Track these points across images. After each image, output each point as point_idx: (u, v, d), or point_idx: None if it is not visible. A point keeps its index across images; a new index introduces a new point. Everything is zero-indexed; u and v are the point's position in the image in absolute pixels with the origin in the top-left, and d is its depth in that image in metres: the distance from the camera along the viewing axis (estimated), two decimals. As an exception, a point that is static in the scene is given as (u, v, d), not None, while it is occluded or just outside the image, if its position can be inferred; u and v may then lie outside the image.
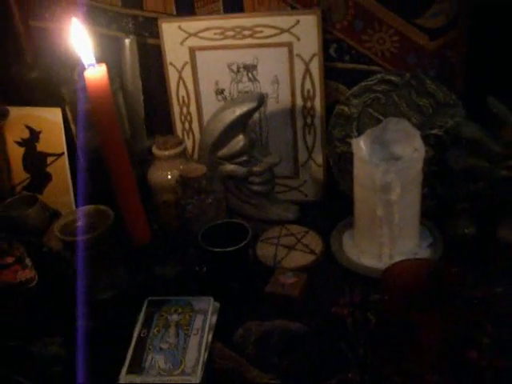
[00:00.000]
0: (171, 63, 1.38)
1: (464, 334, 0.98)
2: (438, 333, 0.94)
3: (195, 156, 1.42)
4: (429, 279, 1.00)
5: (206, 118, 1.40)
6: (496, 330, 0.98)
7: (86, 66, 1.00)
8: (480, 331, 0.99)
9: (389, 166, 1.12)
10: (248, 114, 1.25)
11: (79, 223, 1.20)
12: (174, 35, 1.35)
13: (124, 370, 1.01)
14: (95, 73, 1.00)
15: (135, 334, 1.07)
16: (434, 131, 1.27)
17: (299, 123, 1.37)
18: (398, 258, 1.10)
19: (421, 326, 0.94)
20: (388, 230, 1.17)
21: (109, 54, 1.30)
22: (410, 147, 1.16)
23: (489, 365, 0.94)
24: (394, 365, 0.95)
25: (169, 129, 1.45)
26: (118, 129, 1.07)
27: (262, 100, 1.26)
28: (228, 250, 1.11)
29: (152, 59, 1.41)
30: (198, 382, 0.98)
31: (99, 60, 1.03)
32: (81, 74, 1.04)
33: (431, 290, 1.00)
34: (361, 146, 1.15)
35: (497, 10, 1.21)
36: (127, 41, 1.34)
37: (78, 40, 1.02)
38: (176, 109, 1.43)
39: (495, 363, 0.95)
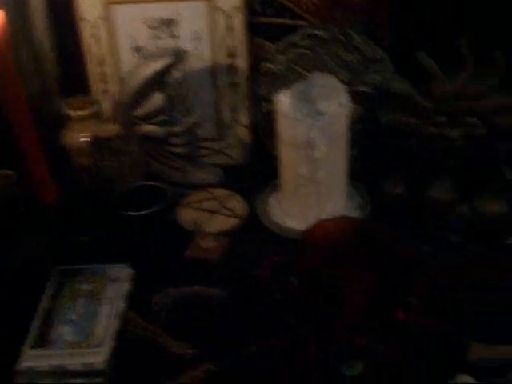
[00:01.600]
0: (84, 18, 1.29)
1: (392, 294, 0.94)
2: (364, 292, 0.91)
3: (113, 119, 1.33)
4: (352, 237, 0.96)
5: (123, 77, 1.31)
6: (424, 289, 0.95)
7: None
8: (408, 291, 0.95)
9: (312, 122, 1.07)
10: (165, 71, 1.17)
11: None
12: (87, -13, 1.26)
13: (27, 343, 0.93)
14: (-10, 19, 0.92)
15: (41, 306, 1.00)
16: (363, 88, 1.22)
17: (222, 82, 1.31)
18: (324, 220, 1.05)
19: (345, 285, 0.90)
20: (313, 190, 1.12)
21: (14, 6, 1.21)
22: (335, 103, 1.11)
23: (416, 325, 0.91)
24: (318, 328, 0.90)
25: (85, 90, 1.36)
26: (18, 83, 0.99)
27: (179, 56, 1.19)
28: (143, 212, 1.05)
29: (64, 14, 1.31)
30: (107, 353, 0.91)
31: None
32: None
33: (355, 248, 0.96)
34: (283, 101, 1.10)
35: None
36: (33, -8, 1.25)
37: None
38: (91, 68, 1.33)
39: (423, 324, 0.91)
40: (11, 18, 0.99)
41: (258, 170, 1.34)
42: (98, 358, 0.90)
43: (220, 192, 1.26)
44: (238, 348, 0.91)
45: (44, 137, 1.14)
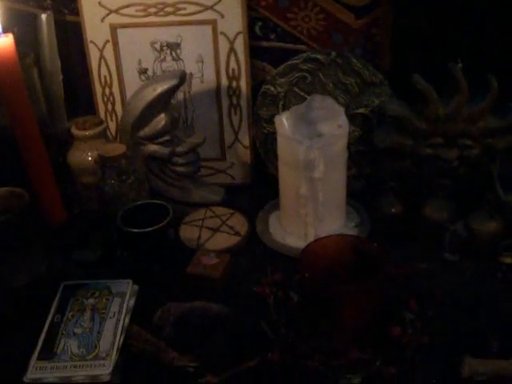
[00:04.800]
0: (92, 41, 1.32)
1: (388, 310, 0.97)
2: (360, 309, 0.93)
3: (118, 139, 1.37)
4: (351, 254, 0.98)
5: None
6: (419, 306, 0.98)
7: (-9, 36, 0.96)
8: (404, 307, 0.98)
9: (312, 143, 1.10)
10: (169, 92, 1.20)
11: (-8, 206, 1.14)
12: (94, 12, 1.29)
13: (34, 356, 0.96)
14: (1, 42, 0.95)
15: (48, 319, 1.02)
16: (361, 110, 1.26)
17: (225, 103, 1.34)
18: (323, 238, 1.08)
19: (342, 302, 0.92)
20: (312, 210, 1.15)
21: (25, 30, 1.25)
22: (334, 124, 1.14)
23: (411, 341, 0.93)
24: (315, 343, 0.93)
25: (91, 111, 1.39)
26: (27, 104, 1.03)
27: (183, 77, 1.22)
28: (147, 230, 1.07)
29: (72, 37, 1.36)
30: (112, 366, 0.93)
31: (11, 32, 0.98)
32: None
33: (353, 266, 0.98)
34: (283, 122, 1.13)
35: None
36: (43, 16, 1.28)
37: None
38: (98, 89, 1.37)
39: (418, 339, 0.94)
40: (21, 40, 1.02)
41: (258, 190, 1.37)
42: (103, 370, 0.93)
43: (221, 210, 1.28)
44: (239, 362, 0.93)
45: (50, 156, 1.18)
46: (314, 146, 1.09)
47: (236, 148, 1.38)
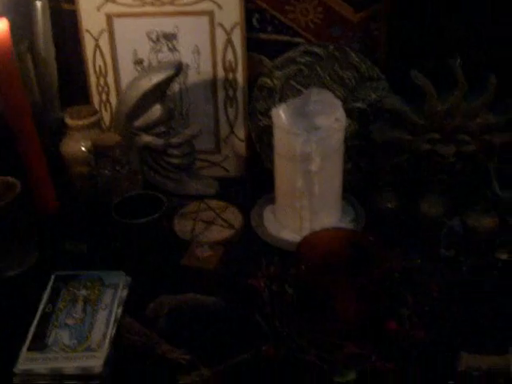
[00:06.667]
0: (87, 30, 1.31)
1: (384, 305, 0.96)
2: (356, 303, 0.92)
3: (112, 129, 1.35)
4: (347, 248, 0.98)
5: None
6: (415, 300, 0.97)
7: (-15, 20, 0.94)
8: (400, 302, 0.97)
9: (309, 136, 1.09)
10: (165, 83, 1.20)
11: (-17, 195, 1.13)
12: (91, 0, 1.28)
13: (25, 346, 0.94)
14: (-6, 27, 0.94)
15: (39, 310, 1.01)
16: (358, 104, 1.25)
17: (220, 96, 1.33)
18: (318, 232, 1.07)
19: (338, 295, 0.91)
20: (308, 203, 1.14)
21: (20, 17, 1.23)
22: (331, 118, 1.13)
23: (407, 335, 0.93)
24: (310, 336, 0.92)
25: (86, 100, 1.38)
26: (21, 91, 1.01)
27: (179, 68, 1.21)
28: (140, 221, 1.06)
29: (67, 26, 1.34)
30: (103, 357, 0.92)
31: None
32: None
33: (350, 259, 0.98)
34: (280, 115, 1.12)
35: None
36: (38, 3, 1.26)
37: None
38: (93, 79, 1.36)
39: (414, 334, 0.93)
40: (15, 28, 1.00)
41: (253, 183, 1.36)
42: (94, 362, 0.91)
43: (216, 203, 1.27)
44: (233, 355, 0.92)
45: (43, 145, 1.16)
46: (311, 138, 1.09)
47: (231, 141, 1.37)
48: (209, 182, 1.32)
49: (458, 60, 1.12)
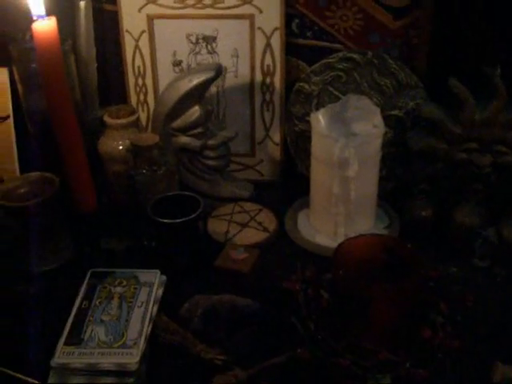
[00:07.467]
0: (128, 31, 1.32)
1: (418, 312, 0.96)
2: (392, 309, 0.92)
3: (150, 129, 1.36)
4: (384, 254, 0.98)
5: (161, 90, 1.33)
6: (450, 309, 0.97)
7: (35, 18, 0.95)
8: (434, 310, 0.97)
9: (347, 141, 1.09)
10: (205, 85, 1.20)
11: (22, 190, 1.15)
12: (132, 1, 1.29)
13: (61, 341, 0.96)
14: (44, 25, 0.95)
15: (75, 306, 1.02)
16: (395, 112, 1.25)
17: (258, 99, 1.34)
18: (353, 238, 1.07)
19: (374, 301, 0.91)
20: (344, 209, 1.14)
21: (63, 16, 1.24)
22: (369, 124, 1.14)
23: (442, 344, 0.93)
24: (345, 341, 0.92)
25: (123, 100, 1.39)
26: (66, 88, 1.02)
27: (219, 71, 1.22)
28: (177, 221, 1.07)
29: (108, 26, 1.35)
30: (139, 355, 0.93)
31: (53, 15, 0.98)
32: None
33: (386, 266, 0.97)
34: (319, 119, 1.12)
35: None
36: (82, 3, 1.28)
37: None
38: (131, 79, 1.37)
39: (448, 343, 0.93)
40: (59, 26, 1.02)
41: (287, 187, 1.37)
42: (130, 358, 0.92)
43: (250, 206, 1.28)
44: (268, 357, 0.92)
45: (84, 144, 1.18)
46: (349, 144, 1.09)
47: (266, 144, 1.37)
48: (244, 185, 1.33)
49: (498, 69, 1.11)
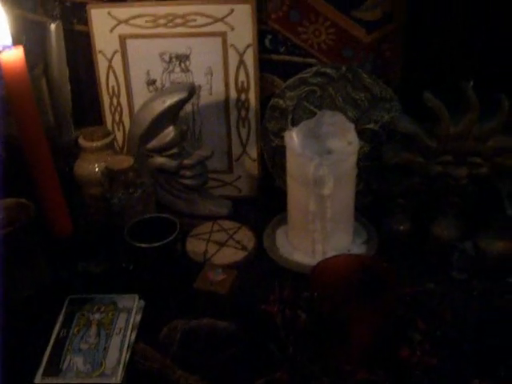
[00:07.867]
0: (100, 51, 1.32)
1: (396, 330, 0.96)
2: (369, 328, 0.92)
3: (126, 150, 1.36)
4: (360, 274, 0.98)
5: (137, 109, 1.33)
6: (428, 325, 0.97)
7: (2, 48, 0.95)
8: (412, 328, 0.97)
9: (322, 160, 1.09)
10: (178, 105, 1.20)
11: (-3, 217, 1.14)
12: (104, 22, 1.29)
13: (40, 371, 0.95)
14: (11, 55, 0.95)
15: (54, 334, 1.02)
16: (370, 126, 1.25)
17: (233, 116, 1.33)
18: (331, 255, 1.06)
19: (351, 321, 0.91)
20: (321, 226, 1.14)
21: (34, 39, 1.24)
22: (344, 141, 1.14)
23: (420, 362, 0.93)
24: (323, 362, 0.92)
25: (98, 121, 1.39)
26: (35, 114, 1.02)
27: (192, 91, 1.21)
28: (154, 245, 1.06)
29: (80, 47, 1.35)
30: (118, 383, 0.93)
31: (21, 43, 0.97)
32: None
33: (362, 286, 0.98)
34: (293, 138, 1.12)
35: (432, 4, 1.20)
36: (52, 26, 1.27)
37: (-4, 21, 0.97)
38: (106, 99, 1.37)
39: (426, 360, 0.93)
40: (30, 49, 1.01)
41: (265, 203, 1.37)
42: (108, 388, 0.93)
43: (228, 224, 1.28)
44: (247, 381, 0.92)
45: (57, 167, 1.17)
46: (323, 162, 1.09)
47: (243, 161, 1.37)
48: (222, 202, 1.33)
49: (471, 82, 1.12)
